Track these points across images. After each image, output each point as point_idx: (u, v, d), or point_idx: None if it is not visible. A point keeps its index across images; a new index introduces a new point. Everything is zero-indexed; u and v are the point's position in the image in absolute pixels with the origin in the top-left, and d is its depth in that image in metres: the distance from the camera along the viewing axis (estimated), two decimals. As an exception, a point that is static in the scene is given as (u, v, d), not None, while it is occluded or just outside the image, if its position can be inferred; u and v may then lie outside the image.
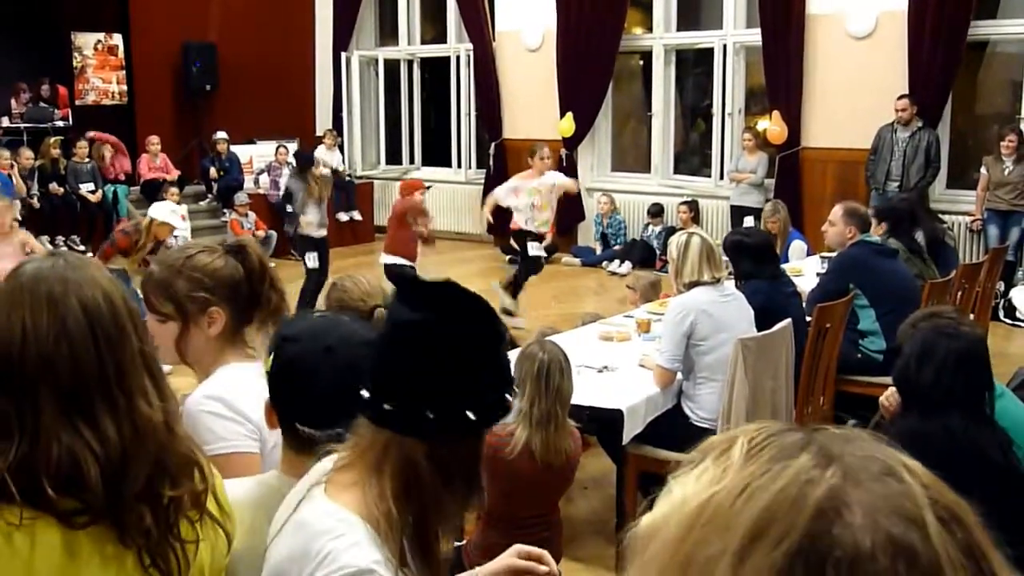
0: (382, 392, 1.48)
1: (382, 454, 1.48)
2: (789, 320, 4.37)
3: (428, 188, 8.16)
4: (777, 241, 6.95)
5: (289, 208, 8.60)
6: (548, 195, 8.06)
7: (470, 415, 1.45)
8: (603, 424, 4.15)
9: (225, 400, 2.08)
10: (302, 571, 1.45)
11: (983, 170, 8.97)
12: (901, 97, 9.22)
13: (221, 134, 12.15)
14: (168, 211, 7.17)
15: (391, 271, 7.27)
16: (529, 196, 8.01)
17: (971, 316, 5.70)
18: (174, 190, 10.59)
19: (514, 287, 8.16)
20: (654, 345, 4.64)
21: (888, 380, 5.22)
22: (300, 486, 1.58)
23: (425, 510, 1.49)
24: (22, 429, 1.36)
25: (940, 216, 8.44)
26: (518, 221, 8.20)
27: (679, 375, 4.30)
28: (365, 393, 1.50)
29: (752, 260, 4.86)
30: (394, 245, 7.47)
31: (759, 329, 4.34)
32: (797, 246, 7.57)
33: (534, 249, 8.12)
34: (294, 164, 9.16)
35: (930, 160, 9.13)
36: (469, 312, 1.50)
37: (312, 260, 8.06)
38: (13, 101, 11.53)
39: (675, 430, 4.17)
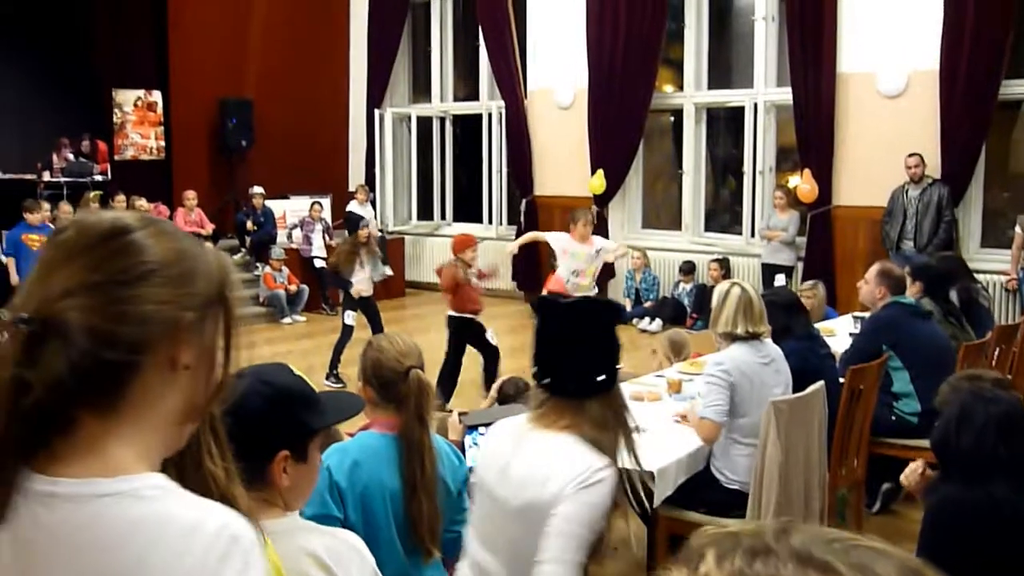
0: (554, 372, 2.45)
1: (576, 410, 2.43)
2: (822, 382, 4.33)
3: (479, 243, 7.98)
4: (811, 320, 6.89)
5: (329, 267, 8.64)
6: (591, 262, 7.79)
7: (603, 377, 2.44)
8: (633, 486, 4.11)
9: None
10: (573, 478, 2.32)
11: (1018, 229, 8.92)
12: (912, 155, 9.22)
13: (258, 188, 12.32)
14: None
15: (456, 320, 7.31)
16: (574, 261, 7.74)
17: (1009, 378, 5.62)
18: (208, 245, 10.70)
19: None
20: (696, 399, 4.61)
21: (923, 443, 5.17)
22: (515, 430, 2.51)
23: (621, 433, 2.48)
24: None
25: (974, 275, 8.38)
26: (562, 282, 7.78)
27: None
28: (547, 379, 2.46)
29: (785, 313, 4.84)
30: (457, 304, 7.30)
31: (794, 390, 4.30)
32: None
33: None
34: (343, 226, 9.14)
35: (941, 214, 9.11)
36: (599, 305, 2.66)
37: (350, 319, 8.21)
38: (55, 156, 11.76)
39: (706, 493, 4.13)
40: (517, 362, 8.14)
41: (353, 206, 13.12)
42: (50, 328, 1.06)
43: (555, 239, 8.05)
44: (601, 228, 11.70)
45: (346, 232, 9.00)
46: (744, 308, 4.21)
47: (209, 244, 1.50)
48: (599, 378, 2.42)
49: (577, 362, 2.44)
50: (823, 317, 7.37)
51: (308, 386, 2.02)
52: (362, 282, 8.28)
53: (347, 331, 8.18)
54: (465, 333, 7.37)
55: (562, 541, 2.28)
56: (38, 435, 1.08)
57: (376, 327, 8.16)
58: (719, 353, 4.27)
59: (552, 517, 2.29)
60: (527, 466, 2.40)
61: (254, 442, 1.79)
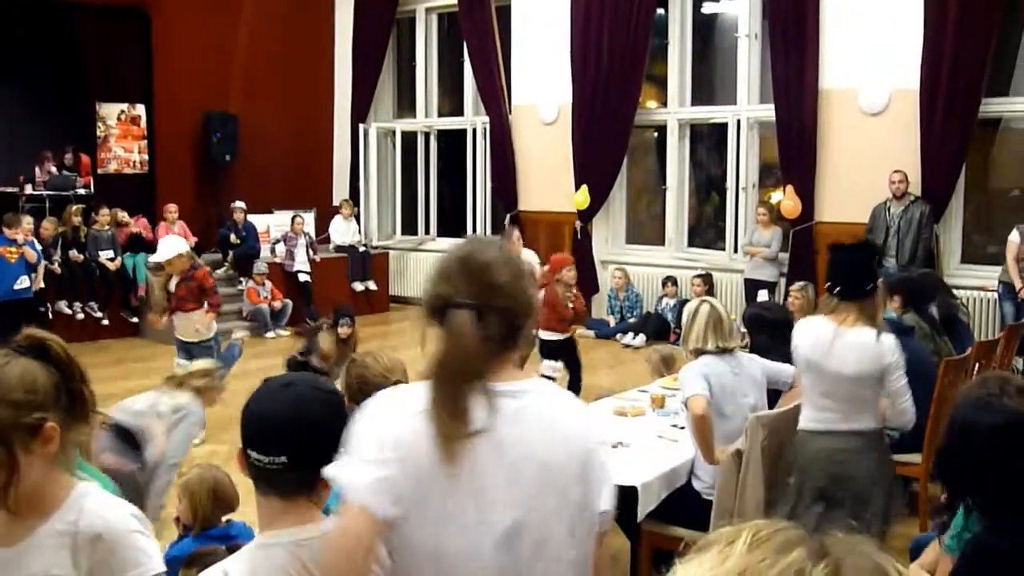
0: (843, 285, 3.92)
1: (858, 308, 3.88)
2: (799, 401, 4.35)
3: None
4: (796, 319, 6.93)
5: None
6: None
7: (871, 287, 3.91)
8: (617, 501, 4.11)
9: (139, 516, 1.88)
10: (892, 350, 3.84)
11: (1014, 236, 8.58)
12: (896, 171, 9.30)
13: (239, 204, 12.29)
14: (172, 245, 7.30)
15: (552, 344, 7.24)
16: None
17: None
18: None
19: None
20: (680, 413, 4.66)
21: (907, 458, 5.21)
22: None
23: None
24: None
25: (953, 292, 8.43)
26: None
27: (695, 451, 4.27)
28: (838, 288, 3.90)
29: (769, 336, 4.87)
30: (551, 324, 7.23)
31: (773, 405, 4.33)
32: None
33: None
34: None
35: (921, 232, 9.17)
36: (863, 244, 4.57)
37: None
38: (38, 169, 11.71)
39: (687, 507, 4.15)
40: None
41: (336, 222, 13.12)
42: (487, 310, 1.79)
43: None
44: (585, 243, 11.76)
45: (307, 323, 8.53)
46: (714, 324, 4.28)
47: None
48: (867, 287, 3.81)
49: (857, 278, 3.82)
50: None
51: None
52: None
53: None
54: (561, 352, 7.39)
55: (905, 386, 3.90)
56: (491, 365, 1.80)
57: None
58: (688, 363, 4.33)
59: (890, 378, 3.86)
60: (850, 347, 3.79)
61: (317, 448, 1.83)
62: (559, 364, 7.36)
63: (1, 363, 1.74)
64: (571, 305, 7.37)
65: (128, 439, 3.48)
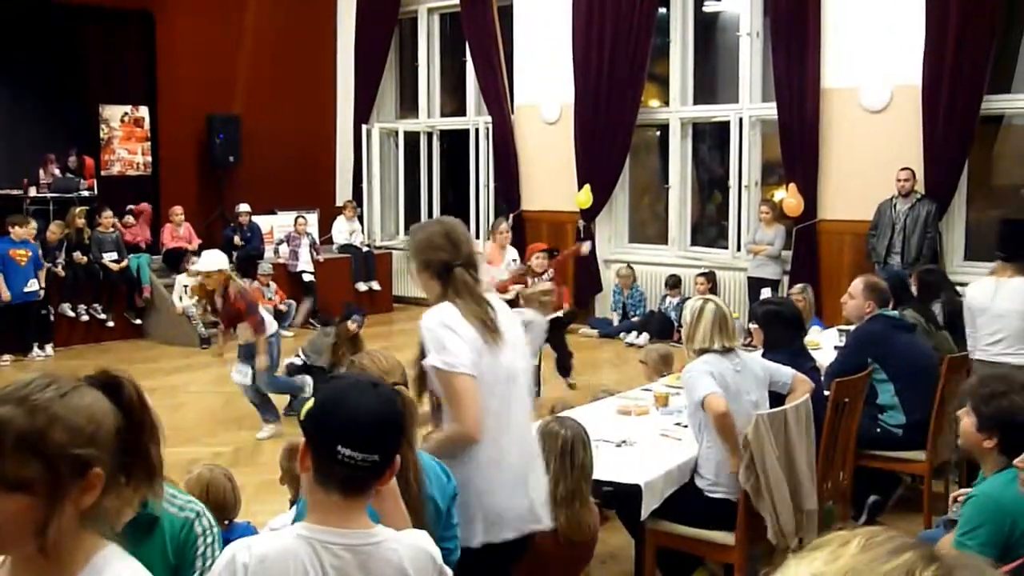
0: (1009, 250, 6.13)
1: (1015, 266, 5.95)
2: (807, 396, 4.37)
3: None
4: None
5: (302, 360, 7.96)
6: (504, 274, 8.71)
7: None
8: (621, 499, 4.14)
9: None
10: None
11: None
12: (904, 169, 9.30)
13: (244, 207, 12.31)
14: (203, 260, 7.37)
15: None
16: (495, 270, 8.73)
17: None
18: (196, 259, 10.71)
19: None
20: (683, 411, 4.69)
21: (908, 455, 5.22)
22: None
23: None
24: None
25: (957, 289, 8.43)
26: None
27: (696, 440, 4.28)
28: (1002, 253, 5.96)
29: (784, 329, 4.88)
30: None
31: (778, 403, 4.34)
32: (815, 333, 7.53)
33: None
34: (328, 329, 8.24)
35: (927, 230, 9.17)
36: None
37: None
38: (41, 171, 11.74)
39: (690, 505, 4.16)
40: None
41: (339, 222, 13.13)
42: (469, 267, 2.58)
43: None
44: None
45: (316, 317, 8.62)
46: (719, 323, 4.25)
47: None
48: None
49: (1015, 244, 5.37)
50: (809, 323, 7.43)
51: None
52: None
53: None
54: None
55: None
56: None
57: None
58: (691, 362, 4.31)
59: None
60: (1013, 290, 5.60)
61: (397, 447, 1.96)
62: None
63: (70, 387, 1.54)
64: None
65: None
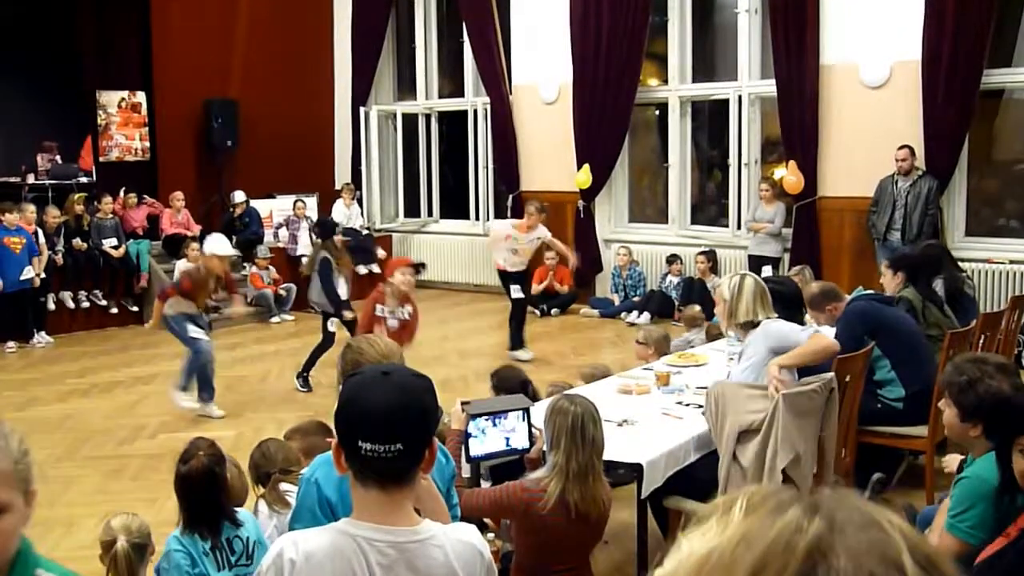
0: None
1: None
2: (832, 374, 4.36)
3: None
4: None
5: (316, 281, 8.11)
6: (528, 245, 9.12)
7: None
8: (626, 477, 4.14)
9: None
10: None
11: None
12: (901, 147, 9.26)
13: (240, 195, 12.26)
14: (220, 244, 7.49)
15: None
16: (515, 243, 9.02)
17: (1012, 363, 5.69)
18: (195, 245, 10.68)
19: (514, 327, 9.06)
20: (684, 391, 4.89)
21: (910, 430, 5.22)
22: None
23: None
24: None
25: (959, 264, 8.42)
26: (498, 261, 9.19)
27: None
28: None
29: (784, 308, 4.88)
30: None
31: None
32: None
33: (515, 292, 9.00)
34: (315, 231, 8.89)
35: (928, 207, 9.14)
36: None
37: (333, 325, 8.06)
38: (39, 158, 11.70)
39: (693, 483, 4.16)
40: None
41: (338, 206, 13.10)
42: None
43: (499, 228, 9.47)
44: (588, 222, 11.75)
45: (315, 237, 8.90)
46: (760, 296, 4.38)
47: None
48: None
49: None
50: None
51: None
52: (344, 295, 8.08)
53: (329, 338, 8.03)
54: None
55: None
56: None
57: (353, 332, 8.08)
58: (764, 327, 4.37)
59: None
60: None
61: (426, 433, 1.95)
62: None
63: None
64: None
65: None
